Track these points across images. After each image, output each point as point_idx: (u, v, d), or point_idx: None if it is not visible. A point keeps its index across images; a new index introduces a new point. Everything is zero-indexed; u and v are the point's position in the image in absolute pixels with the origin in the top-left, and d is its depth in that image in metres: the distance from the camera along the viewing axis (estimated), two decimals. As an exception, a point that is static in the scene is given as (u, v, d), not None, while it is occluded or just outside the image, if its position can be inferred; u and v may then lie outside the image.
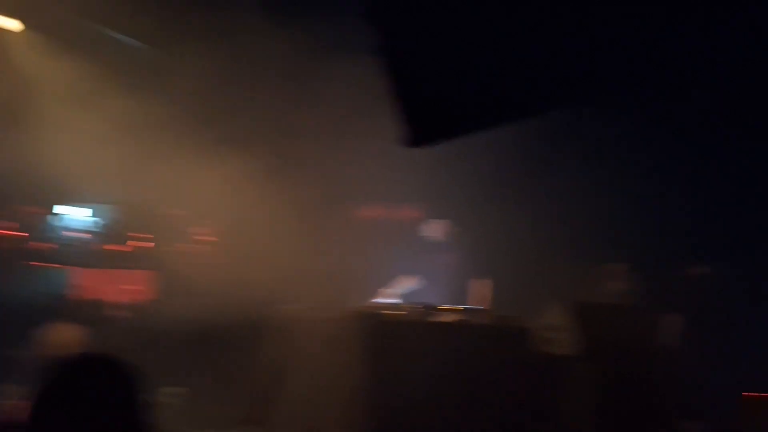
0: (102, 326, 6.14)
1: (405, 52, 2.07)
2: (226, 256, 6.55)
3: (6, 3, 6.44)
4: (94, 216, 7.86)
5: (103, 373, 1.71)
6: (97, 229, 7.82)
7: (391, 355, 4.68)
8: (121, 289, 7.23)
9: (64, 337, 3.46)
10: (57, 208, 7.74)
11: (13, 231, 7.38)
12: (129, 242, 7.66)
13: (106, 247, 7.75)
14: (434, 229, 6.86)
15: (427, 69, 2.08)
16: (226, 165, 6.03)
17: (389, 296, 6.14)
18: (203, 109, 6.34)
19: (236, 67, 5.96)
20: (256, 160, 6.10)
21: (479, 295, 6.06)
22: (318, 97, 6.12)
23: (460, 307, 5.43)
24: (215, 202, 6.39)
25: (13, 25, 6.55)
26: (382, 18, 2.05)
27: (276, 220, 6.24)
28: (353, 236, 7.26)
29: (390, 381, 4.67)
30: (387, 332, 4.85)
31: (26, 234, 7.44)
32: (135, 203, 7.34)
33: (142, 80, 6.45)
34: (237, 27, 5.95)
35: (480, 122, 2.11)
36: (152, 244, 7.45)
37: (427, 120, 2.13)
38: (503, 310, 5.53)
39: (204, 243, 7.15)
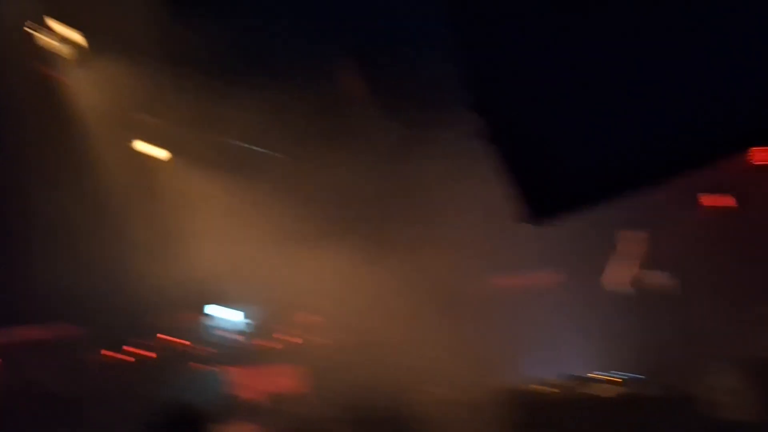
0: (263, 421, 6.41)
1: (515, 132, 2.10)
2: (367, 347, 6.67)
3: (154, 135, 7.29)
4: (245, 317, 8.29)
5: None
6: (249, 329, 8.24)
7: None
8: (274, 383, 7.51)
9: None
10: (211, 310, 8.24)
11: (176, 338, 7.96)
12: (277, 339, 7.99)
13: (257, 343, 8.12)
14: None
15: (538, 145, 2.10)
16: (359, 257, 6.24)
17: (531, 368, 5.92)
18: (338, 213, 6.67)
19: (351, 163, 6.25)
20: (382, 248, 6.27)
21: (633, 360, 5.70)
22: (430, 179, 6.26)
23: (617, 377, 5.04)
24: (353, 296, 6.58)
25: (162, 154, 7.37)
26: (489, 105, 2.11)
27: (413, 305, 6.31)
28: (489, 310, 7.16)
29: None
30: (538, 411, 4.59)
31: (188, 342, 7.97)
32: (280, 303, 7.71)
33: (281, 189, 6.92)
34: (353, 126, 6.32)
35: (598, 195, 2.07)
36: (299, 340, 7.74)
37: (543, 195, 2.13)
38: (663, 375, 5.09)
39: (345, 335, 7.32)
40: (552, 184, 2.10)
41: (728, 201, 7.79)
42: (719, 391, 4.64)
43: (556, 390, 4.96)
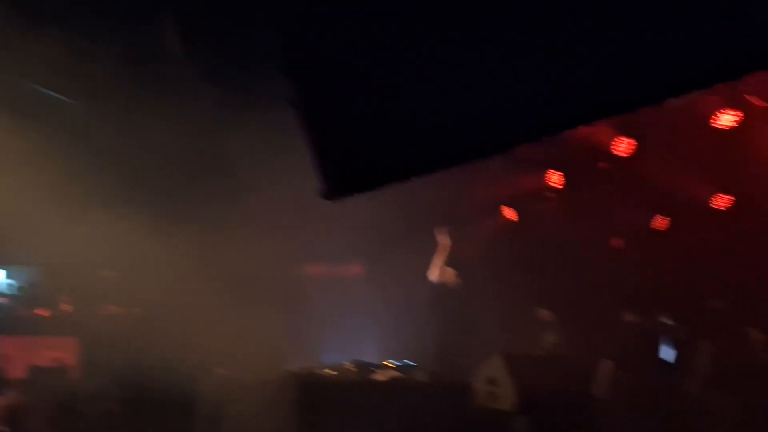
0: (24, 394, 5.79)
1: (322, 104, 2.07)
2: (154, 321, 6.32)
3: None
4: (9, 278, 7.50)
5: None
6: (17, 293, 7.44)
7: (325, 417, 4.53)
8: (41, 354, 6.84)
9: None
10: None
11: None
12: (49, 306, 7.29)
13: (26, 310, 7.36)
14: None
15: (345, 120, 2.07)
16: (151, 226, 5.88)
17: (323, 355, 6.03)
18: (136, 176, 6.20)
19: (157, 125, 5.88)
20: (179, 219, 5.98)
21: (414, 349, 6.02)
22: (239, 151, 6.07)
23: (395, 364, 5.36)
24: (141, 264, 6.19)
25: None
26: (299, 71, 2.05)
27: (206, 283, 6.09)
28: (287, 296, 7.16)
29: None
30: (321, 394, 4.71)
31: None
32: (55, 265, 7.05)
33: (75, 142, 6.28)
34: (165, 85, 5.91)
35: (400, 172, 2.09)
36: (72, 308, 7.12)
37: (344, 171, 2.11)
38: (438, 364, 5.48)
39: (132, 307, 6.88)
40: (353, 158, 2.09)
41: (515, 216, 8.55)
42: (483, 381, 5.07)
43: (338, 374, 5.11)
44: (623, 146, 7.30)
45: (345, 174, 2.11)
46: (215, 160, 6.32)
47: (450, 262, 6.30)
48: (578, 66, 1.65)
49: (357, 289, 7.41)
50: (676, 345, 7.29)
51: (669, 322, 7.36)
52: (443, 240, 6.12)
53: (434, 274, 6.08)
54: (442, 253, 6.14)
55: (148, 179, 6.27)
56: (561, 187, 8.05)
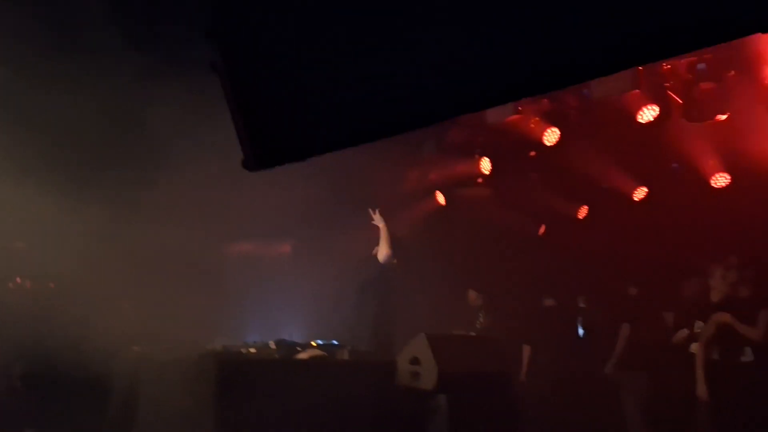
0: None
1: (247, 69, 1.99)
2: (66, 295, 6.03)
3: None
4: None
5: None
6: None
7: (244, 396, 4.46)
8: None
9: None
10: None
11: None
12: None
13: None
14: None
15: (271, 88, 2.00)
16: (65, 197, 5.60)
17: (246, 335, 5.93)
18: (42, 138, 5.86)
19: (73, 93, 5.57)
20: (96, 192, 5.72)
21: (339, 330, 6.01)
22: (160, 121, 5.85)
23: (316, 342, 5.34)
24: (54, 237, 5.89)
25: None
26: (224, 34, 1.96)
27: (122, 258, 5.87)
28: (209, 274, 7.00)
29: (242, 424, 4.44)
30: (240, 372, 4.62)
31: None
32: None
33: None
34: (86, 46, 5.59)
35: (327, 142, 2.03)
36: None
37: (269, 141, 2.04)
38: (361, 344, 5.49)
39: (43, 281, 6.55)
40: (279, 127, 2.02)
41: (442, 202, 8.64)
42: (406, 361, 5.13)
43: (259, 353, 5.05)
44: (550, 136, 7.48)
45: (270, 143, 2.04)
46: (135, 130, 6.05)
47: (391, 242, 6.29)
48: (499, 42, 1.65)
49: (283, 268, 7.33)
50: (594, 327, 7.59)
51: (588, 305, 7.64)
52: (379, 221, 6.10)
53: (381, 253, 6.06)
54: (384, 233, 6.12)
55: (63, 149, 5.95)
56: (489, 173, 8.18)
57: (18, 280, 6.44)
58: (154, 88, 5.46)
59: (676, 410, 6.56)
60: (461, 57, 1.72)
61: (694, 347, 6.40)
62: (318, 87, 1.92)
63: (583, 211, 8.62)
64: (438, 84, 1.77)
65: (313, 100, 1.96)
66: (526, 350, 7.89)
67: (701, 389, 5.87)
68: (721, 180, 7.29)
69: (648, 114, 6.72)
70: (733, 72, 6.20)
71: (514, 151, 7.86)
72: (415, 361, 5.13)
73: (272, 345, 5.13)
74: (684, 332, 6.50)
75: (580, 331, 7.66)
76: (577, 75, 1.65)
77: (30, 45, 5.70)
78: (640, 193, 8.08)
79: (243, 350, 5.18)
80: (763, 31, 1.46)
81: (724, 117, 6.28)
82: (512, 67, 1.69)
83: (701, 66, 6.30)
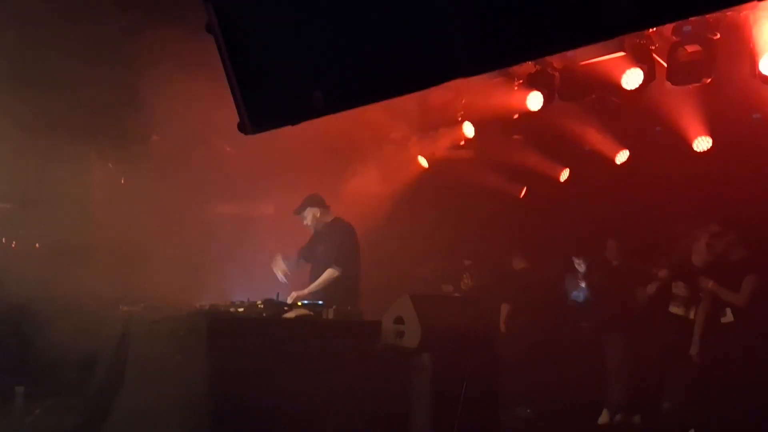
0: None
1: (242, 29, 1.99)
2: (56, 256, 6.04)
3: None
4: None
5: None
6: None
7: (233, 354, 4.54)
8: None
9: None
10: None
11: None
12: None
13: None
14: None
15: (265, 49, 2.01)
16: (57, 159, 5.57)
17: (233, 294, 5.99)
18: (31, 100, 5.79)
19: (62, 55, 5.48)
20: (85, 154, 5.69)
21: (323, 289, 6.10)
22: (151, 83, 5.79)
23: (303, 302, 5.42)
24: (46, 198, 5.88)
25: None
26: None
27: (112, 219, 5.87)
28: (197, 233, 7.02)
29: (231, 381, 4.53)
30: (227, 330, 4.70)
31: None
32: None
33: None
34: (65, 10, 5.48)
35: (322, 105, 2.04)
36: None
37: (264, 102, 2.05)
38: (346, 304, 5.58)
39: (33, 241, 6.55)
40: (273, 88, 2.03)
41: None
42: (391, 320, 5.24)
43: (246, 311, 5.13)
44: (533, 99, 7.47)
45: (265, 105, 2.06)
46: (125, 92, 6.00)
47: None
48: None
49: (270, 228, 7.35)
50: (576, 288, 7.75)
51: (569, 267, 7.78)
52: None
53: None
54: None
55: (52, 111, 5.88)
56: (472, 136, 8.20)
57: (3, 240, 6.43)
58: (145, 51, 5.41)
59: (654, 368, 6.79)
60: (453, 20, 1.74)
61: (674, 308, 6.59)
62: (313, 45, 1.92)
63: (565, 174, 8.71)
64: (430, 47, 1.79)
65: (306, 64, 1.97)
66: (505, 309, 8.06)
67: (694, 349, 6.16)
68: (703, 144, 7.37)
69: (633, 77, 6.73)
70: (718, 35, 6.21)
71: (497, 114, 7.87)
72: (399, 320, 5.23)
73: (260, 304, 5.20)
74: (663, 292, 6.68)
75: (569, 291, 7.82)
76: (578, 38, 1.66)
77: (16, 8, 5.59)
78: (622, 156, 8.15)
79: (231, 309, 5.25)
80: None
81: (708, 80, 6.30)
82: (503, 31, 1.71)
83: (687, 28, 6.29)
